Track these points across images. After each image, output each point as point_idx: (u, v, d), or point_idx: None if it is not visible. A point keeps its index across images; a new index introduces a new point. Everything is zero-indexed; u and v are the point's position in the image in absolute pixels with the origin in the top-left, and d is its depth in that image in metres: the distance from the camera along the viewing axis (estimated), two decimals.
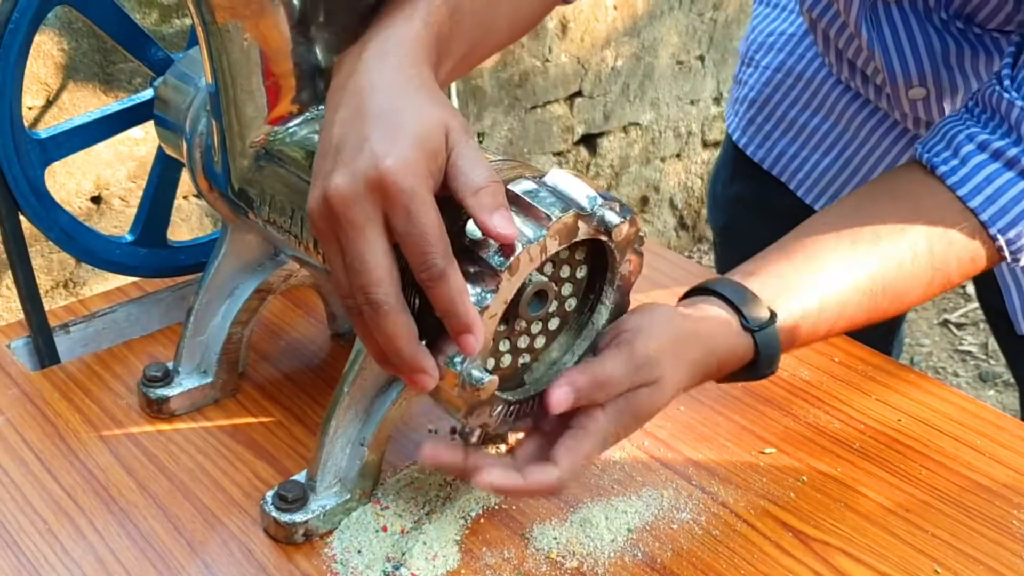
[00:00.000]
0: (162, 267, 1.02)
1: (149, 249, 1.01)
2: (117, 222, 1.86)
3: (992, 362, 2.55)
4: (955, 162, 0.83)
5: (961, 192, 0.82)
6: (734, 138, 1.23)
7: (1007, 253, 0.83)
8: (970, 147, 0.82)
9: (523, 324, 0.74)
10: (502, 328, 0.73)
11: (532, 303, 0.72)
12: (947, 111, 1.01)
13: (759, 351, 0.76)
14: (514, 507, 0.81)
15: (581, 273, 0.75)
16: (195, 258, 1.03)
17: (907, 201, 0.83)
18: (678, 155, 2.83)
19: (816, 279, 0.80)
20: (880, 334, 1.30)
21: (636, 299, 1.09)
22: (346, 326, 1.01)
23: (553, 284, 0.73)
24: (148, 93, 0.94)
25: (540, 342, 0.76)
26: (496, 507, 0.82)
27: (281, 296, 0.96)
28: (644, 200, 2.79)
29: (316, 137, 0.79)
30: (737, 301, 0.77)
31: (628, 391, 0.71)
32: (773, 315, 0.77)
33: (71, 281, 1.86)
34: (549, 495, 0.79)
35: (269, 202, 0.80)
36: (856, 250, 0.81)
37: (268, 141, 0.81)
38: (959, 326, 2.64)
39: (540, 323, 0.75)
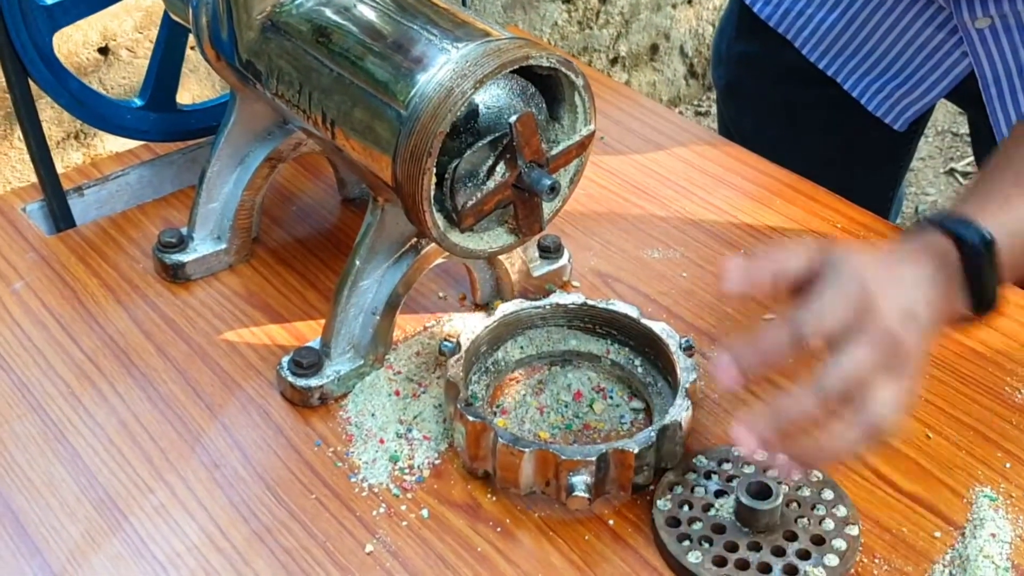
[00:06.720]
0: (172, 131, 1.03)
1: (159, 114, 1.01)
2: (125, 74, 1.85)
3: None
4: None
5: None
6: None
7: None
8: None
9: None
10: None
11: None
12: None
13: (963, 242, 0.70)
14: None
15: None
16: (205, 122, 1.03)
17: None
18: (689, 1, 2.78)
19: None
20: (880, 189, 1.31)
21: (637, 161, 1.10)
22: (355, 191, 1.02)
23: None
24: None
25: None
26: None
27: (291, 162, 0.97)
28: (654, 48, 2.75)
29: (323, 10, 0.79)
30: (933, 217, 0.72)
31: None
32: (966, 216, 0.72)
33: (82, 132, 1.86)
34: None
35: (277, 75, 0.80)
36: None
37: (274, 13, 0.81)
38: (965, 175, 2.63)
39: None
